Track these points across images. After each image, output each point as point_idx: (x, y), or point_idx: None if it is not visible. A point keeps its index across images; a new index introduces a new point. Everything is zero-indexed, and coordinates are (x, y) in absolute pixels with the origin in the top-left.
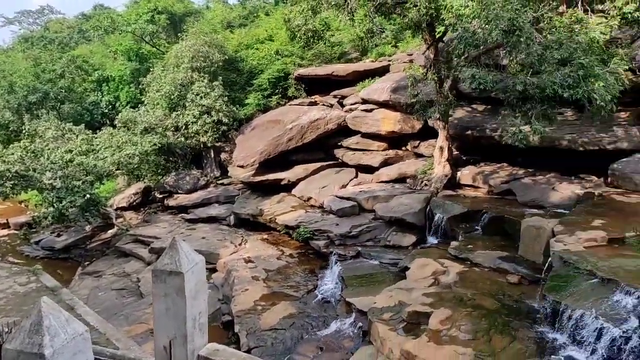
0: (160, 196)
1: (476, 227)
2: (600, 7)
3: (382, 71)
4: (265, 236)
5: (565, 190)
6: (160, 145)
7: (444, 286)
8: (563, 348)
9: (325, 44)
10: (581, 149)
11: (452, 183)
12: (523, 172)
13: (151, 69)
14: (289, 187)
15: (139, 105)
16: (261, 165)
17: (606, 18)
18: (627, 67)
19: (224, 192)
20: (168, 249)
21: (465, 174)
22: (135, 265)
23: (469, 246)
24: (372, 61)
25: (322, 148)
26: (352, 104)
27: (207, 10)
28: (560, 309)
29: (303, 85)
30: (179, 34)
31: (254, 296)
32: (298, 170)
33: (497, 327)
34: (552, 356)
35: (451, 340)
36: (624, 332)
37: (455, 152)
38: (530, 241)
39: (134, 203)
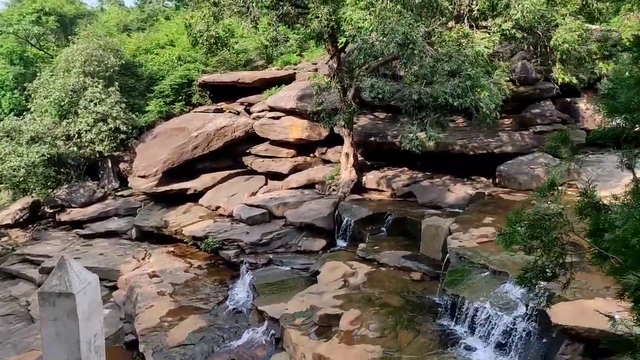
0: (51, 211)
1: (382, 229)
2: (483, 23)
3: (288, 79)
4: (171, 249)
5: (459, 191)
6: (49, 155)
7: (353, 287)
8: (462, 338)
9: (229, 50)
10: (472, 153)
11: (359, 187)
12: (422, 176)
13: (38, 74)
14: (195, 197)
15: (25, 112)
16: (165, 174)
17: (489, 34)
18: (507, 79)
19: (124, 204)
20: (56, 269)
21: (370, 179)
22: (24, 287)
23: (376, 247)
24: (278, 69)
25: (230, 156)
26: (259, 112)
27: (101, 12)
28: (459, 302)
29: (208, 92)
30: (69, 37)
31: (160, 312)
32: (205, 179)
33: (403, 323)
34: (453, 347)
35: (361, 339)
36: (514, 319)
37: (360, 158)
38: (429, 240)
39: (21, 219)
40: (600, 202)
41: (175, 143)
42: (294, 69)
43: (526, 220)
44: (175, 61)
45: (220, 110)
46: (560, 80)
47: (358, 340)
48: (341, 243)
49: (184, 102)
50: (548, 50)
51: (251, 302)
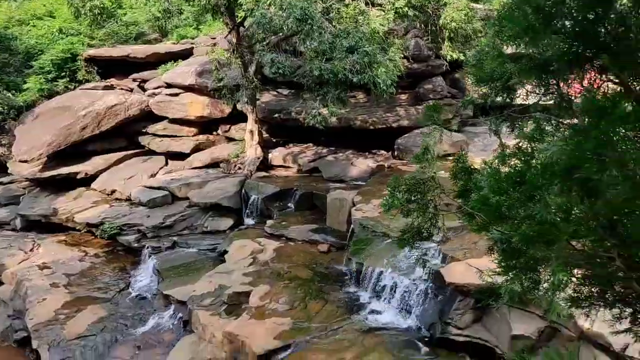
0: None
1: (289, 205)
2: (379, 1)
3: (186, 54)
4: (63, 238)
5: (362, 165)
6: None
7: (262, 264)
8: (368, 303)
9: (118, 22)
10: (372, 127)
11: (265, 165)
12: (327, 151)
13: None
14: (87, 181)
15: None
16: (51, 158)
17: (384, 11)
18: (402, 56)
19: (4, 192)
20: None
21: (276, 155)
22: None
23: (284, 223)
24: (174, 43)
25: (125, 136)
26: (155, 88)
27: None
28: (363, 270)
29: (96, 68)
30: None
31: (54, 305)
32: (98, 162)
33: (311, 294)
34: (359, 312)
35: (271, 313)
36: (413, 281)
37: (265, 135)
38: (335, 212)
39: None
40: (471, 167)
41: (61, 123)
42: (192, 44)
43: (404, 185)
44: (56, 34)
45: (111, 87)
46: (449, 57)
47: (268, 315)
48: (249, 221)
49: (68, 79)
50: (438, 28)
51: (156, 287)
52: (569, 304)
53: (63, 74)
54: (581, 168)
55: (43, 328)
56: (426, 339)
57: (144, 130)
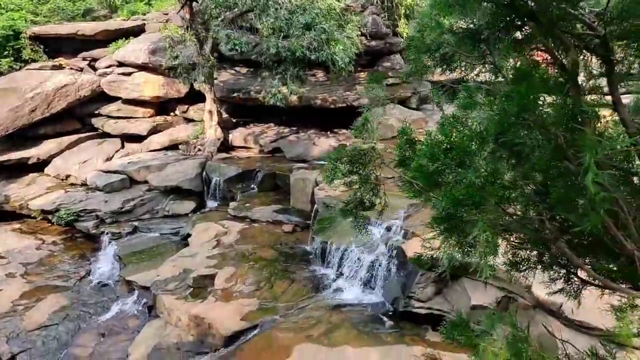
0: None
1: (252, 186)
2: None
3: (138, 31)
4: (17, 226)
5: (324, 144)
6: None
7: (227, 246)
8: (333, 281)
9: None
10: (332, 106)
11: (226, 146)
12: (288, 131)
13: None
14: (40, 166)
15: None
16: None
17: None
18: (359, 33)
19: None
20: None
21: (237, 136)
22: None
23: (247, 204)
24: (125, 20)
25: (78, 118)
26: (106, 67)
27: None
28: (327, 248)
29: (42, 47)
30: None
31: (11, 296)
32: (49, 146)
33: (277, 274)
34: (325, 289)
35: (237, 295)
36: (376, 256)
37: (225, 115)
38: (298, 192)
39: None
40: (415, 139)
41: (7, 106)
42: (143, 20)
43: (345, 157)
44: None
45: (60, 67)
46: (405, 34)
47: (234, 296)
48: (211, 203)
49: (12, 59)
50: (394, 5)
51: (118, 273)
52: (508, 267)
53: (6, 52)
54: (507, 133)
55: (0, 320)
56: (390, 313)
57: (98, 112)
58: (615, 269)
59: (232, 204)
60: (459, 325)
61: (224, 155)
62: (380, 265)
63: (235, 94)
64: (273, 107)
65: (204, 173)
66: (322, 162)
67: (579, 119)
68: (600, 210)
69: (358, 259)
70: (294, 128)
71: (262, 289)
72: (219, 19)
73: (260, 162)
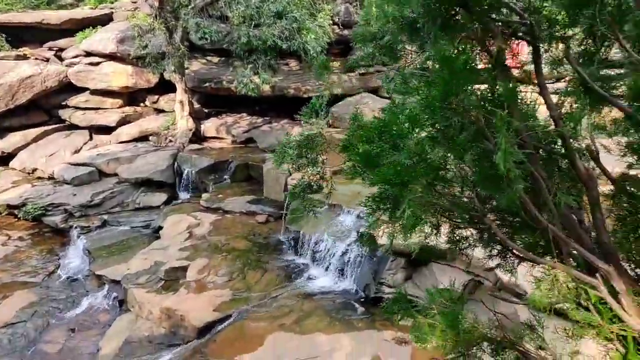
0: None
1: (225, 177)
2: None
3: (106, 20)
4: None
5: (295, 133)
6: None
7: (199, 237)
8: (306, 270)
9: None
10: (305, 96)
11: (197, 136)
12: (261, 121)
13: None
14: (5, 160)
15: None
16: None
17: None
18: (331, 22)
19: None
20: None
21: (209, 127)
22: None
23: (220, 196)
24: (92, 8)
25: (44, 109)
26: (73, 57)
27: None
28: (300, 237)
29: (4, 36)
30: None
31: None
32: (14, 139)
33: (250, 264)
34: (298, 278)
35: (210, 286)
36: (348, 245)
37: (197, 105)
38: (272, 182)
39: None
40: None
41: None
42: (111, 8)
43: (294, 142)
44: None
45: (24, 57)
46: None
47: (207, 288)
48: (184, 195)
49: None
50: None
51: (87, 268)
52: (448, 244)
53: None
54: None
55: None
56: (362, 300)
57: (64, 103)
58: (540, 243)
59: (205, 196)
60: (399, 301)
61: (196, 146)
62: (352, 253)
63: (207, 84)
64: (246, 97)
65: (176, 164)
66: None
67: (503, 103)
68: (515, 187)
69: (330, 247)
70: (267, 118)
71: (235, 280)
72: (189, 7)
73: (233, 153)
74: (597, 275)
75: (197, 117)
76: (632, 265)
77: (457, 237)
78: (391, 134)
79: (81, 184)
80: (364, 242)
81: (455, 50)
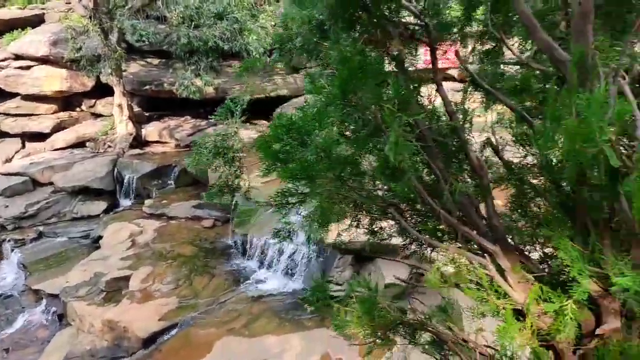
0: None
1: (169, 182)
2: None
3: (37, 21)
4: None
5: (244, 136)
6: None
7: (142, 246)
8: (255, 272)
9: None
10: (250, 97)
11: (139, 141)
12: (205, 123)
13: None
14: None
15: None
16: None
17: None
18: (274, 23)
19: None
20: None
21: (151, 131)
22: None
23: (164, 201)
24: (21, 8)
25: None
26: (1, 61)
27: None
28: (248, 240)
29: None
30: None
31: None
32: None
33: (197, 270)
34: (246, 282)
35: (154, 295)
36: (296, 246)
37: (137, 109)
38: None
39: None
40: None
41: None
42: (42, 9)
43: (210, 142)
44: None
45: None
46: None
47: (152, 297)
48: (125, 202)
49: None
50: None
51: (23, 282)
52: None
53: None
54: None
55: None
56: (311, 299)
57: None
58: (440, 228)
59: (148, 202)
60: (318, 290)
61: (137, 151)
62: (300, 253)
63: (147, 87)
64: (189, 100)
65: (116, 171)
66: (241, 154)
67: (404, 100)
68: (408, 177)
69: (278, 249)
70: (211, 120)
71: (182, 287)
72: (125, 7)
73: (177, 157)
74: (487, 255)
75: (138, 121)
76: (523, 245)
77: (375, 229)
78: (299, 131)
79: (14, 194)
80: (280, 238)
81: (357, 51)
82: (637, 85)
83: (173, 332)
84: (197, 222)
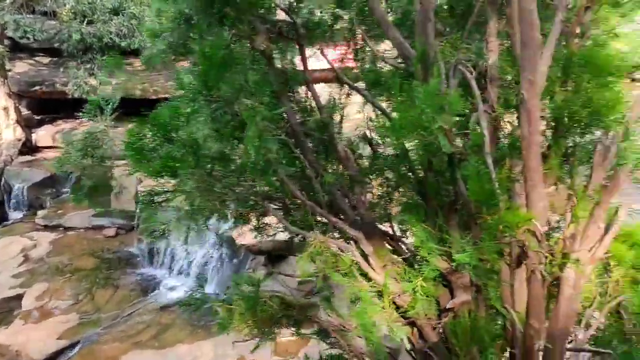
0: None
1: (65, 190)
2: None
3: None
4: None
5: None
6: None
7: (36, 260)
8: (164, 280)
9: None
10: (154, 97)
11: (29, 147)
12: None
13: None
14: None
15: None
16: None
17: None
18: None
19: None
20: None
21: (43, 135)
22: None
23: (60, 211)
24: None
25: None
26: None
27: None
28: (155, 247)
29: None
30: None
31: None
32: None
33: (99, 283)
34: (155, 291)
35: (52, 313)
36: (207, 249)
37: (26, 112)
38: (121, 192)
39: None
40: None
41: None
42: None
43: (78, 141)
44: None
45: None
46: None
47: (48, 315)
48: (15, 215)
49: None
50: None
51: None
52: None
53: None
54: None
55: None
56: (192, 303)
57: None
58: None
59: (41, 213)
60: (194, 294)
61: (27, 158)
62: (212, 257)
63: (37, 87)
64: (84, 101)
65: (3, 181)
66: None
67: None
68: (273, 170)
69: (188, 254)
70: (113, 122)
71: (82, 302)
72: (7, 1)
73: None
74: (352, 242)
75: (27, 125)
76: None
77: (261, 225)
78: (164, 127)
79: None
80: (154, 238)
81: (220, 46)
82: (483, 79)
83: (75, 350)
84: (98, 231)
